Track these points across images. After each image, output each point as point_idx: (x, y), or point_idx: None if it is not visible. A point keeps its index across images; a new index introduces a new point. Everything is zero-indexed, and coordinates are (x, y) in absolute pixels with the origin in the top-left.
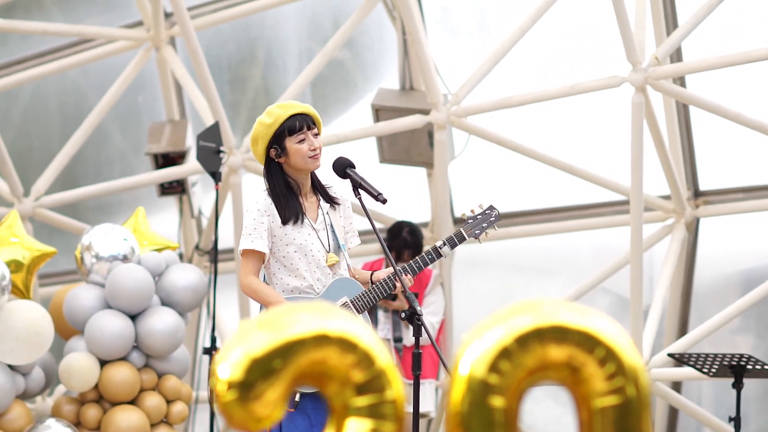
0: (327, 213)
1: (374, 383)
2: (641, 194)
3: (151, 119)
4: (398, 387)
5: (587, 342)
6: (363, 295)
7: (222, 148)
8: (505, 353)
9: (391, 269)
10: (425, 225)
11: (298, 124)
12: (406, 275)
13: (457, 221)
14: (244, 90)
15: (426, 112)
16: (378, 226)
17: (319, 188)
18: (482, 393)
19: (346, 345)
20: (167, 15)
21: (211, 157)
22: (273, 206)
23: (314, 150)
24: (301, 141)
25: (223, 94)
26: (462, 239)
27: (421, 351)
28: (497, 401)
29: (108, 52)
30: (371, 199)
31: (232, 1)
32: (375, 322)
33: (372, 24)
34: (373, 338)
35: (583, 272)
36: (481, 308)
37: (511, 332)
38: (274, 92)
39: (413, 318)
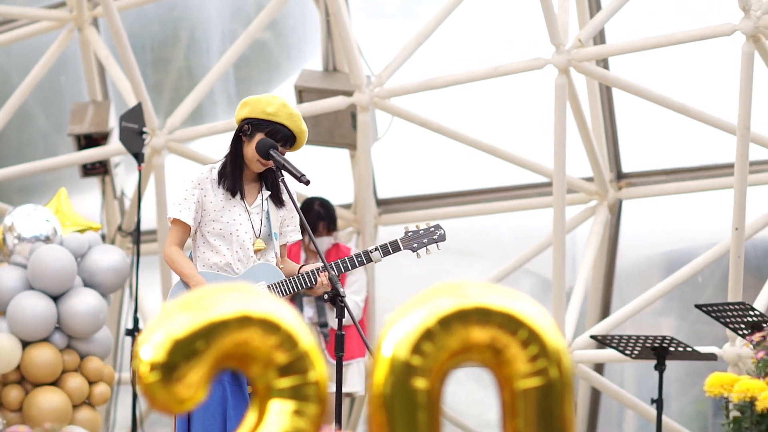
0: (266, 199)
1: (297, 365)
2: (564, 176)
3: (74, 100)
4: (321, 368)
5: (510, 324)
6: (282, 282)
7: (145, 129)
8: (428, 335)
9: (317, 264)
10: (348, 206)
11: (281, 137)
12: (328, 272)
13: (380, 203)
14: (167, 71)
15: (349, 94)
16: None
17: (271, 184)
18: (405, 374)
19: (269, 326)
20: None
21: (134, 138)
22: (208, 180)
23: (265, 164)
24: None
25: (146, 75)
26: (396, 249)
27: (344, 333)
28: (420, 383)
29: (31, 33)
30: (294, 180)
31: None
32: (300, 307)
33: (295, 5)
34: (295, 320)
35: (506, 254)
36: (404, 290)
37: (434, 314)
38: (197, 73)
39: (336, 299)
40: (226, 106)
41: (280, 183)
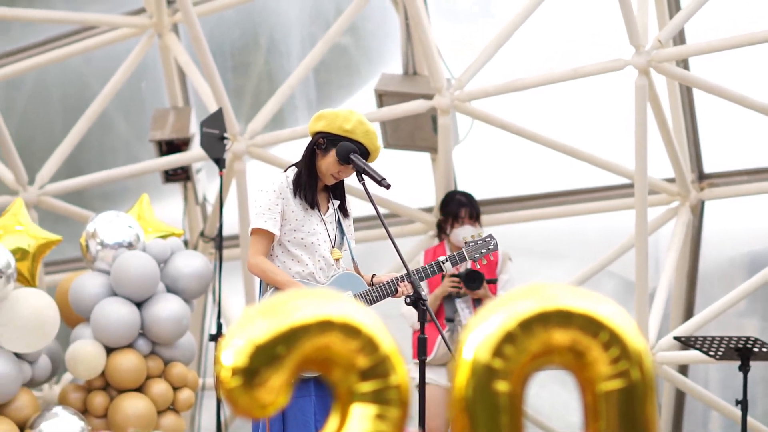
0: (336, 209)
1: (378, 368)
2: (645, 177)
3: (155, 106)
4: (402, 372)
5: (591, 326)
6: (367, 292)
7: (226, 135)
8: (509, 338)
9: (393, 273)
10: (429, 210)
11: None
12: (407, 282)
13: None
14: (248, 76)
15: (429, 97)
16: (382, 211)
17: (339, 193)
18: (487, 378)
19: (350, 330)
20: (170, 1)
21: (215, 144)
22: (288, 190)
23: (337, 178)
24: (340, 164)
25: (226, 80)
26: (463, 259)
27: (426, 336)
28: (502, 386)
29: (111, 40)
30: (375, 184)
31: None
32: (453, 309)
33: (375, 9)
34: (376, 323)
35: (588, 256)
36: None
37: (515, 316)
38: (278, 78)
39: (418, 303)
40: (306, 110)
41: (362, 186)
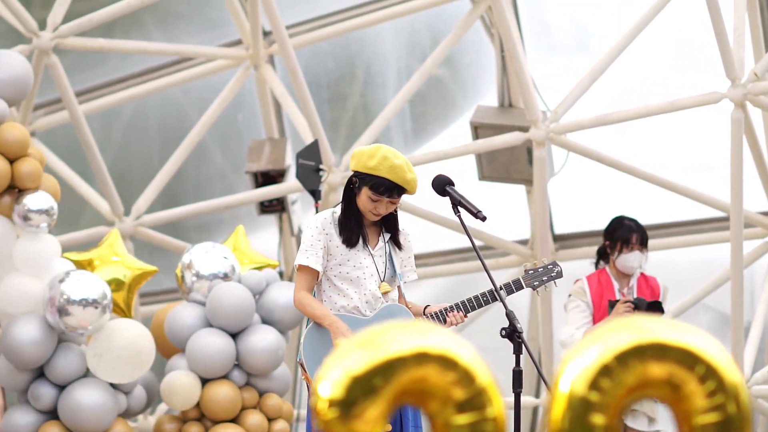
0: (387, 242)
1: (475, 401)
2: (741, 210)
3: (251, 137)
4: (499, 404)
5: (687, 359)
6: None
7: (321, 166)
8: (605, 371)
9: (444, 304)
10: (524, 242)
11: (384, 190)
12: (458, 312)
13: (556, 238)
14: (344, 108)
15: (525, 129)
16: (477, 243)
17: (391, 225)
18: (583, 410)
19: (447, 362)
20: (266, 33)
21: (311, 175)
22: (332, 226)
23: (377, 214)
24: (375, 201)
25: (322, 112)
26: (519, 287)
27: (521, 369)
28: (598, 419)
29: (207, 71)
30: (470, 216)
31: (331, 20)
32: None
33: (470, 41)
34: (473, 356)
35: (684, 289)
36: None
37: (611, 350)
38: (373, 109)
39: (513, 335)
40: (402, 142)
41: (458, 219)
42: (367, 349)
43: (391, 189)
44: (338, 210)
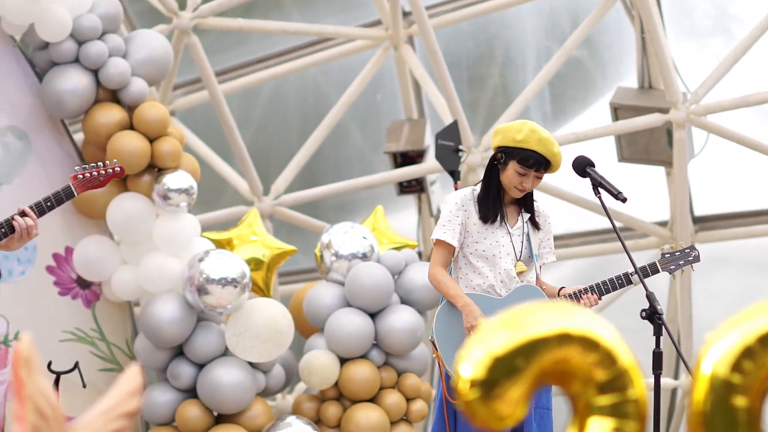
0: (526, 222)
1: (616, 382)
2: None
3: (390, 118)
4: (640, 386)
5: None
6: None
7: (461, 147)
8: (748, 353)
9: (579, 286)
10: (664, 224)
11: (532, 163)
12: (592, 295)
13: (696, 220)
14: (483, 88)
15: (665, 111)
16: (617, 224)
17: (529, 205)
18: (725, 393)
19: (588, 344)
20: (405, 14)
21: (450, 156)
22: (471, 202)
23: (522, 189)
24: (522, 174)
25: (461, 92)
26: (655, 271)
27: (661, 350)
28: (740, 401)
29: (347, 51)
30: (611, 197)
31: (471, 0)
32: None
33: (610, 22)
34: (614, 337)
35: None
36: (722, 308)
37: (753, 332)
38: (513, 91)
39: (653, 317)
40: (541, 123)
41: (599, 200)
42: (509, 330)
43: (539, 162)
44: (479, 188)
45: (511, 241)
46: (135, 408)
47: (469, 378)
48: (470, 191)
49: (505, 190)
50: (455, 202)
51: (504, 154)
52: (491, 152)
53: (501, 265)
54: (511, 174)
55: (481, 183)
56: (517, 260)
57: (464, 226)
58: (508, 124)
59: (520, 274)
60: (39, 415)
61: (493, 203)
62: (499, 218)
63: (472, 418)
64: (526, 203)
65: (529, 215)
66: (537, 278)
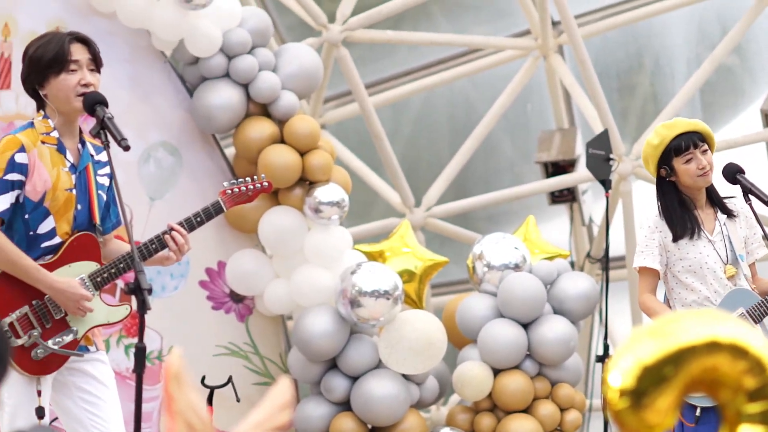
0: (724, 224)
1: (766, 390)
2: None
3: (540, 128)
4: None
5: None
6: (759, 305)
7: (612, 156)
8: None
9: None
10: None
11: (684, 144)
12: None
13: None
14: (633, 97)
15: None
16: None
17: (716, 200)
18: None
19: (738, 351)
20: (555, 23)
21: (601, 165)
22: (663, 222)
23: (702, 169)
24: (689, 161)
25: (611, 101)
26: None
27: None
28: None
29: (496, 62)
30: (761, 204)
31: (620, 9)
32: None
33: (760, 28)
34: (764, 344)
35: None
36: None
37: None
38: (663, 99)
39: None
40: None
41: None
42: (658, 338)
43: (688, 138)
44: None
45: (715, 248)
46: (286, 421)
47: (618, 387)
48: (657, 211)
49: (688, 200)
50: (648, 226)
51: (665, 167)
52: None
53: (711, 275)
54: (683, 170)
55: (658, 203)
56: (725, 264)
57: (663, 247)
58: (642, 149)
59: (730, 278)
60: (190, 429)
61: (681, 217)
62: (696, 228)
63: (622, 428)
64: (714, 202)
65: (725, 216)
66: (747, 279)
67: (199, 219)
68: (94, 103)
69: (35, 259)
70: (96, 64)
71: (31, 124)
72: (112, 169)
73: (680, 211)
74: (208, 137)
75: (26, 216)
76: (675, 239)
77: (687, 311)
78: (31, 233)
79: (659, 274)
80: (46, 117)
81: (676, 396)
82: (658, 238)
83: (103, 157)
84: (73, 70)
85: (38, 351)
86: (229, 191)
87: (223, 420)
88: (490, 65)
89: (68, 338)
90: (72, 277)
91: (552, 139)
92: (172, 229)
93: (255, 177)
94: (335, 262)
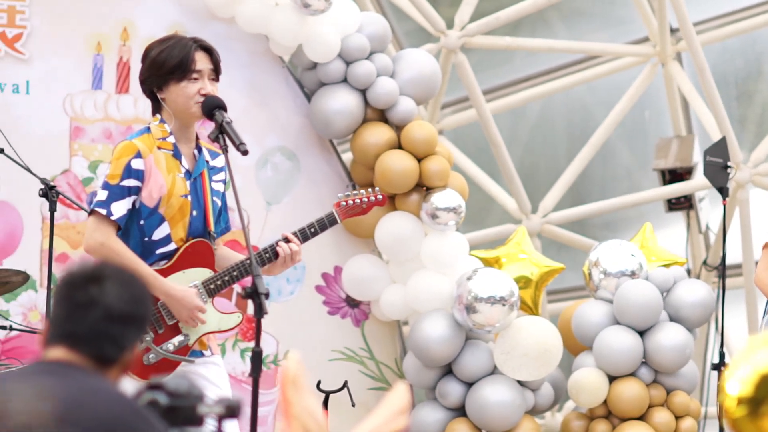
0: None
1: None
2: None
3: (658, 135)
4: None
5: None
6: None
7: (729, 163)
8: None
9: None
10: None
11: None
12: None
13: None
14: (751, 104)
15: None
16: None
17: None
18: None
19: None
20: (673, 30)
21: (719, 173)
22: None
23: None
24: None
25: (729, 109)
26: None
27: None
28: None
29: (614, 69)
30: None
31: (739, 16)
32: None
33: None
34: None
35: None
36: None
37: None
38: None
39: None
40: None
41: None
42: None
43: None
44: None
45: None
46: (403, 426)
47: (736, 395)
48: None
49: None
50: None
51: None
52: (761, 169)
53: None
54: None
55: None
56: None
57: None
58: None
59: None
60: None
61: None
62: None
63: None
64: None
65: None
66: None
67: (312, 230)
68: (213, 107)
69: (150, 265)
70: (216, 73)
71: (148, 129)
72: (230, 173)
73: None
74: (326, 142)
75: (141, 222)
76: None
77: None
78: (147, 239)
79: None
80: (162, 121)
81: None
82: None
83: (218, 162)
84: (195, 79)
85: (150, 356)
86: (344, 203)
87: (339, 425)
88: (608, 72)
89: (180, 343)
90: (185, 283)
91: (669, 146)
92: (286, 238)
93: (370, 189)
94: (451, 267)
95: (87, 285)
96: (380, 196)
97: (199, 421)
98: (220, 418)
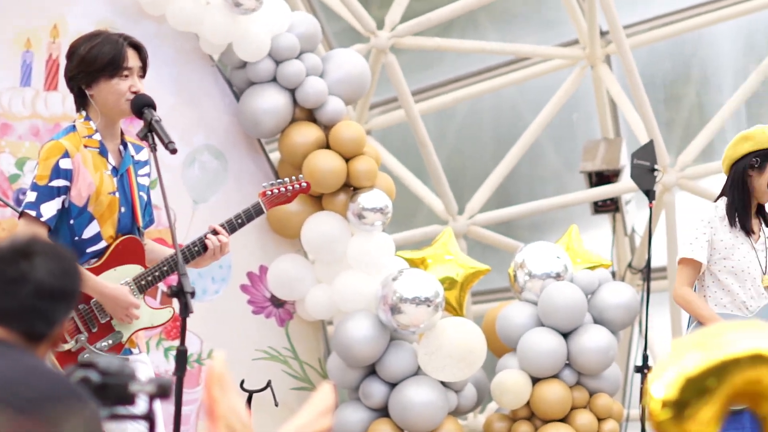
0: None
1: None
2: None
3: (586, 137)
4: None
5: None
6: None
7: (656, 167)
8: None
9: None
10: None
11: None
12: None
13: None
14: (679, 108)
15: None
16: None
17: (762, 212)
18: None
19: None
20: (603, 33)
21: (645, 176)
22: (716, 219)
23: None
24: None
25: (657, 112)
26: None
27: None
28: None
29: (543, 71)
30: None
31: (668, 20)
32: None
33: None
34: None
35: None
36: None
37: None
38: (709, 111)
39: None
40: None
41: None
42: (701, 350)
43: None
44: (720, 204)
45: (757, 256)
46: (327, 427)
47: (661, 398)
48: (714, 208)
49: (751, 201)
50: (701, 219)
51: (760, 158)
52: (687, 173)
53: (750, 280)
54: (766, 178)
55: (728, 193)
56: (763, 273)
57: (711, 244)
58: (760, 127)
59: (767, 288)
60: None
61: (743, 212)
62: (744, 231)
63: None
64: (764, 216)
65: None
66: None
67: (240, 221)
68: (142, 105)
69: (81, 264)
70: (144, 70)
71: (73, 128)
72: (158, 172)
73: (744, 207)
74: (254, 141)
75: (71, 221)
76: (731, 224)
77: (730, 323)
78: (77, 238)
79: (701, 268)
80: (87, 119)
81: (719, 408)
82: (708, 233)
83: (143, 156)
84: (125, 76)
85: (85, 355)
86: (269, 192)
87: (261, 424)
88: (537, 74)
89: (114, 342)
90: (117, 280)
91: (597, 148)
92: (213, 230)
93: (294, 177)
94: (377, 268)
95: (17, 260)
96: (304, 184)
97: (130, 399)
98: (152, 398)
